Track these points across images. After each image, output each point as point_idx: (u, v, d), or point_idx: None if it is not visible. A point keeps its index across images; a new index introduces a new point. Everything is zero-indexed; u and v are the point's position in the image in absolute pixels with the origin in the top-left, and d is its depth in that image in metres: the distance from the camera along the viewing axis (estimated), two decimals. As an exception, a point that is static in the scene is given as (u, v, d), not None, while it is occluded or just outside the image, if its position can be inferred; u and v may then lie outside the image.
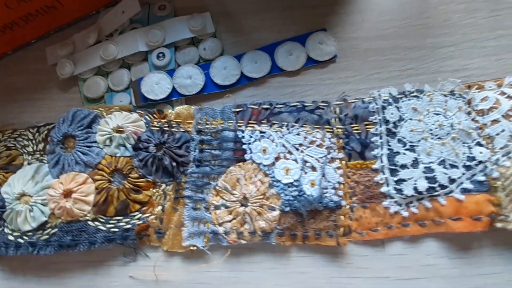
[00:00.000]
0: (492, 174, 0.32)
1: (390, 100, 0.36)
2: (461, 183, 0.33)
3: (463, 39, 0.39)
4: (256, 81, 0.40)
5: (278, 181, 0.35)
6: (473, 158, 0.33)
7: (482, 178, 0.33)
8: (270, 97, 0.39)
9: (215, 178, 0.36)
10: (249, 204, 0.34)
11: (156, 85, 0.39)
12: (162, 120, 0.38)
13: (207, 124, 0.38)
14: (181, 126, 0.38)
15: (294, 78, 0.40)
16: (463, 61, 0.39)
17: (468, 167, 0.33)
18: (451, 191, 0.33)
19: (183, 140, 0.37)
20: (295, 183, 0.34)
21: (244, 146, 0.36)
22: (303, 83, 0.40)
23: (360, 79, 0.39)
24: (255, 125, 0.37)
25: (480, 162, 0.33)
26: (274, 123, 0.37)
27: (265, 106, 0.38)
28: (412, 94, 0.36)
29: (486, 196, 0.32)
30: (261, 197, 0.34)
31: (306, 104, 0.37)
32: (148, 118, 0.38)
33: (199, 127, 0.38)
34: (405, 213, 0.33)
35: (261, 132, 0.36)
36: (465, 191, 0.33)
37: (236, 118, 0.38)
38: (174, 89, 0.39)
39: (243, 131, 0.37)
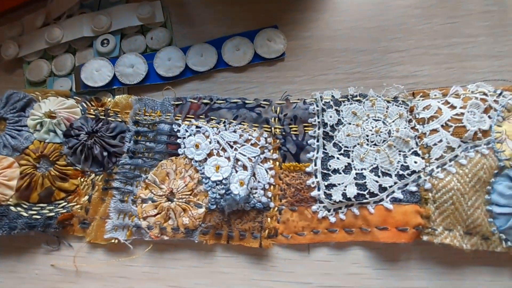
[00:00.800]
0: (424, 185, 0.31)
1: (331, 102, 0.35)
2: (392, 192, 0.32)
3: (415, 45, 0.38)
4: (201, 75, 0.39)
5: (208, 178, 0.34)
6: (407, 167, 0.32)
7: (414, 189, 0.32)
8: (214, 92, 0.38)
9: (146, 171, 0.35)
10: (175, 199, 0.33)
11: (96, 72, 0.38)
12: (100, 108, 0.37)
13: (146, 115, 0.37)
14: (118, 115, 0.37)
15: (240, 74, 0.39)
16: (412, 67, 0.37)
17: (401, 176, 0.32)
18: (381, 200, 0.32)
19: (118, 130, 0.36)
20: (224, 181, 0.33)
21: (178, 140, 0.35)
22: (249, 80, 0.39)
23: (306, 79, 0.38)
24: (192, 120, 0.36)
25: (414, 172, 0.32)
26: (212, 119, 0.36)
27: (205, 101, 0.37)
28: (354, 98, 0.35)
29: (415, 207, 0.31)
30: (189, 193, 0.34)
31: (247, 102, 0.36)
32: (85, 105, 0.37)
33: (136, 118, 0.37)
34: (332, 219, 0.32)
35: (197, 127, 0.35)
36: (395, 200, 0.32)
37: (175, 111, 0.36)
38: (115, 77, 0.38)
39: (179, 125, 0.36)
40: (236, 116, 0.36)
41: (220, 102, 0.36)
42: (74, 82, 0.38)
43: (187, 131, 0.35)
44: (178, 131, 0.35)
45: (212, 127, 0.35)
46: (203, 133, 0.35)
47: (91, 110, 0.37)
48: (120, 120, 0.37)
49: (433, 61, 0.37)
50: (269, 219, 0.33)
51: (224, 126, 0.35)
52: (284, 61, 0.39)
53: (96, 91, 0.38)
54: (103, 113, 0.37)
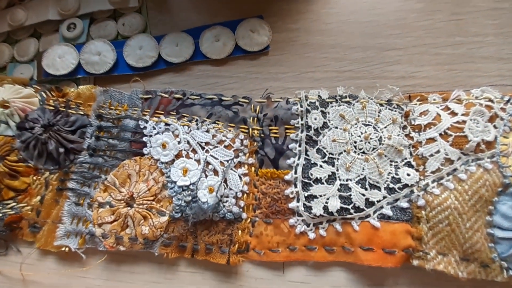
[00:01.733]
0: (417, 202, 0.27)
1: (317, 103, 0.31)
2: (381, 207, 0.28)
3: (415, 43, 0.34)
4: (176, 67, 0.35)
5: (174, 182, 0.30)
6: (398, 180, 0.28)
7: (405, 205, 0.28)
8: (189, 87, 0.34)
9: (107, 171, 0.31)
10: (135, 205, 0.30)
11: (58, 59, 0.34)
12: (60, 99, 0.33)
13: (111, 109, 0.33)
14: (80, 108, 0.33)
15: (219, 67, 0.35)
16: (411, 67, 0.33)
17: (391, 190, 0.28)
18: (367, 216, 0.28)
19: (79, 124, 0.32)
20: (191, 187, 0.29)
21: (144, 139, 0.31)
22: (228, 75, 0.35)
23: (291, 76, 0.34)
24: (161, 116, 0.32)
25: (406, 185, 0.28)
26: (184, 116, 0.32)
27: (177, 96, 0.33)
28: (343, 100, 0.31)
29: (406, 226, 0.27)
30: (151, 198, 0.30)
31: (223, 98, 0.32)
32: (44, 95, 0.33)
33: (100, 111, 0.33)
34: (312, 235, 0.28)
35: (166, 124, 0.32)
36: (383, 217, 0.28)
37: (143, 105, 0.33)
38: (80, 65, 0.34)
39: (146, 121, 0.32)
40: (211, 114, 0.32)
41: (193, 97, 0.32)
42: (36, 69, 0.35)
43: (154, 129, 0.32)
44: (145, 128, 0.32)
45: (183, 125, 0.31)
46: (172, 132, 0.31)
47: (51, 101, 0.33)
48: (82, 113, 0.33)
49: (434, 62, 0.33)
50: (240, 231, 0.29)
51: (196, 124, 0.31)
52: (268, 55, 0.35)
53: (59, 80, 0.35)
54: (63, 105, 0.33)
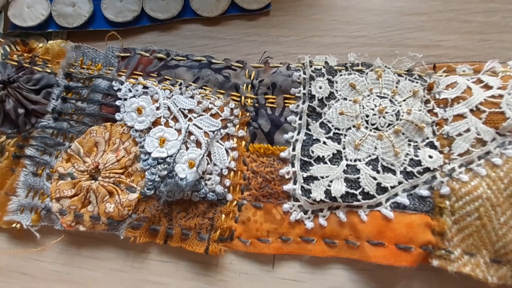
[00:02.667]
0: (440, 189, 0.22)
1: (323, 70, 0.26)
2: (395, 195, 0.23)
3: (440, 8, 0.29)
4: (161, 25, 0.30)
5: (148, 153, 0.25)
6: (418, 163, 0.23)
7: (426, 193, 0.23)
8: (175, 48, 0.29)
9: (72, 138, 0.27)
10: (100, 178, 0.25)
11: (27, 9, 0.29)
12: (26, 55, 0.29)
13: (83, 68, 0.28)
14: (48, 65, 0.29)
15: (211, 28, 0.30)
16: (435, 35, 0.28)
17: (408, 174, 0.23)
18: (378, 204, 0.23)
19: (44, 83, 0.27)
20: (168, 160, 0.25)
21: (117, 102, 0.27)
22: (221, 36, 0.30)
23: (294, 40, 0.29)
24: (140, 78, 0.28)
25: (427, 169, 0.23)
26: (166, 79, 0.27)
27: (159, 55, 0.28)
28: (355, 68, 0.26)
29: (425, 218, 0.22)
30: (120, 171, 0.25)
31: (214, 61, 0.28)
32: (8, 49, 0.29)
33: (70, 69, 0.28)
34: (309, 224, 0.24)
35: (144, 87, 0.27)
36: (397, 207, 0.23)
37: (119, 65, 0.28)
38: (51, 17, 0.30)
39: (122, 83, 0.27)
40: (197, 78, 0.27)
41: (179, 58, 0.28)
42: (3, 21, 0.31)
43: (130, 91, 0.27)
44: (119, 90, 0.27)
45: (164, 89, 0.27)
46: (151, 96, 0.27)
47: (14, 56, 0.28)
48: (49, 71, 0.28)
49: (463, 30, 0.28)
50: (223, 216, 0.24)
51: (180, 89, 0.27)
52: (269, 16, 0.30)
53: (28, 34, 0.30)
54: (28, 61, 0.28)
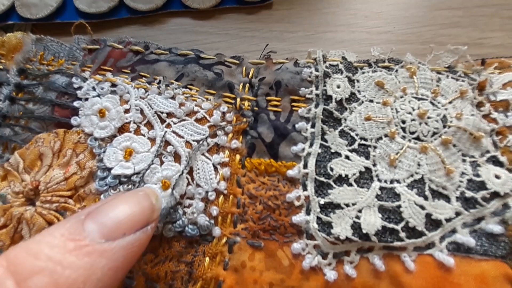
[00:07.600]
0: (517, 224, 0.16)
1: (341, 66, 0.21)
2: (453, 231, 0.17)
3: (478, 2, 0.24)
4: (143, 17, 0.25)
5: (108, 169, 0.18)
6: (481, 186, 0.17)
7: (497, 229, 0.16)
8: (161, 44, 0.24)
9: (15, 148, 0.20)
10: (38, 203, 0.18)
11: (-19, -4, 0.25)
12: (-27, 47, 0.24)
13: (42, 63, 0.22)
14: (2, 60, 0.23)
15: (202, 21, 0.25)
16: (475, 32, 0.23)
17: (469, 202, 0.17)
18: (430, 245, 0.16)
19: (-12, 80, 0.22)
20: (134, 178, 0.18)
21: (76, 103, 0.21)
22: (214, 31, 0.24)
23: (303, 36, 0.24)
24: (108, 74, 0.22)
25: (496, 195, 0.16)
26: (142, 75, 0.22)
27: (135, 48, 0.22)
28: (380, 64, 0.21)
29: (502, 266, 0.15)
30: (68, 193, 0.18)
31: (203, 56, 0.22)
32: (-48, 41, 0.24)
33: (26, 65, 0.22)
34: (331, 274, 0.16)
35: (113, 85, 0.21)
36: (457, 249, 0.16)
37: (84, 59, 0.22)
38: (13, 7, 0.25)
39: (85, 79, 0.21)
40: (181, 75, 0.21)
41: (159, 52, 0.22)
42: (-45, 12, 0.26)
43: (94, 90, 0.21)
44: (80, 88, 0.21)
45: (138, 88, 0.21)
46: (120, 96, 0.20)
47: (-42, 49, 0.23)
48: (1, 67, 0.23)
49: (507, 27, 0.23)
50: (207, 259, 0.17)
51: (159, 88, 0.21)
52: (271, 9, 0.25)
53: (-17, 26, 0.25)
54: (-26, 54, 0.23)
